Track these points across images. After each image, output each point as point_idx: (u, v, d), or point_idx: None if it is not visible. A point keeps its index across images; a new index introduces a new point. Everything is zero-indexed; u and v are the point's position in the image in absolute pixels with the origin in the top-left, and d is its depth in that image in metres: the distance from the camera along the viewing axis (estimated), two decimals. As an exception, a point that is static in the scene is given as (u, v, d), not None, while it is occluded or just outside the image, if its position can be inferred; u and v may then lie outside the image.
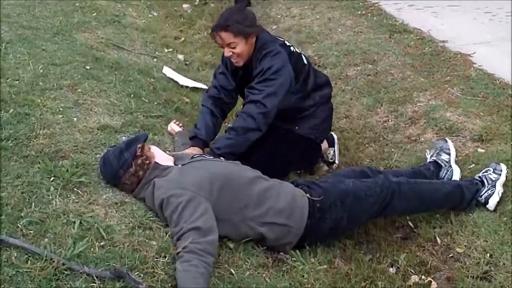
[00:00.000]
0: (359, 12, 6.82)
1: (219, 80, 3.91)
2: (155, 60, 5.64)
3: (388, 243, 3.38)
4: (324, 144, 4.22)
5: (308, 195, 3.01)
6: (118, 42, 5.61)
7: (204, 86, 5.22)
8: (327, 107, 4.02)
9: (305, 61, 3.83)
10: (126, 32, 6.10)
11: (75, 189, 2.84)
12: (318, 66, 5.66)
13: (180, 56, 6.01)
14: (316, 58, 5.85)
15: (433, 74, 5.04)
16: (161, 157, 3.03)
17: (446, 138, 3.91)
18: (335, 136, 4.33)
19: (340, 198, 3.06)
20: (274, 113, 3.56)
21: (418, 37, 5.82)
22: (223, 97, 3.88)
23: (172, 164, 3.04)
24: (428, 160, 3.82)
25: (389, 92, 4.91)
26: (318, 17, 6.90)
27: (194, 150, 3.51)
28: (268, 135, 3.70)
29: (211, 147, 3.55)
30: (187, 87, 5.12)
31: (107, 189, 2.94)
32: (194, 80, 5.37)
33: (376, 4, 7.19)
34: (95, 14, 6.23)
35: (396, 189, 3.16)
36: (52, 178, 2.85)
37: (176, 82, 5.10)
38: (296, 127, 3.85)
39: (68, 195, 2.78)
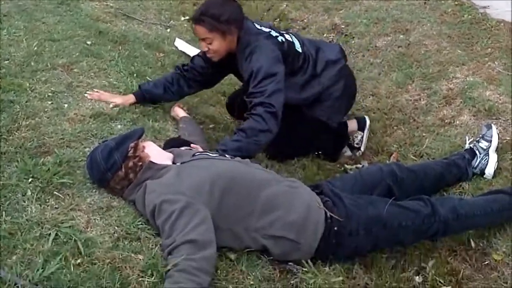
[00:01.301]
0: (391, -26, 6.25)
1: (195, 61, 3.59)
2: (168, 30, 5.24)
3: (414, 246, 2.95)
4: (353, 125, 3.84)
5: (325, 208, 2.60)
6: (129, 11, 5.22)
7: (220, 60, 4.82)
8: (338, 86, 3.60)
9: (300, 48, 3.45)
10: (140, -1, 5.70)
11: (56, 192, 2.52)
12: (345, 35, 5.22)
13: (197, 25, 5.58)
14: (343, 26, 5.39)
15: (472, 45, 4.55)
16: (157, 156, 2.67)
17: (491, 123, 3.47)
18: (367, 120, 3.96)
19: (365, 225, 2.62)
20: (281, 111, 3.18)
21: (456, 2, 5.26)
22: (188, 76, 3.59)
23: (170, 163, 2.68)
24: (465, 147, 3.42)
25: (422, 66, 4.44)
26: (347, -20, 6.38)
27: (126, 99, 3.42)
28: None
29: (217, 148, 3.17)
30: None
31: (93, 191, 2.61)
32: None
33: (411, -36, 6.61)
34: (108, -21, 5.83)
35: (441, 228, 2.75)
36: (30, 180, 2.53)
37: (188, 56, 4.69)
38: (307, 110, 3.53)
39: (47, 200, 2.46)
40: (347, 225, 2.59)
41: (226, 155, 2.80)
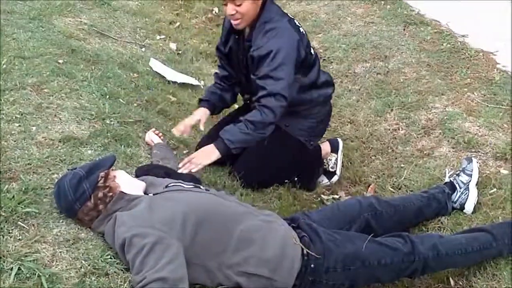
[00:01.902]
0: (371, -1, 6.23)
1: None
2: (143, 49, 5.10)
3: (392, 283, 2.86)
4: (326, 148, 3.74)
5: (302, 245, 2.50)
6: (103, 28, 5.08)
7: (196, 82, 4.72)
8: (325, 109, 3.58)
9: (312, 51, 3.39)
10: (115, 16, 5.55)
11: (20, 222, 2.37)
12: (324, 60, 5.14)
13: (173, 45, 5.45)
14: (321, 50, 5.31)
15: (451, 75, 4.50)
16: (129, 185, 2.55)
17: (472, 157, 3.41)
18: (340, 142, 3.87)
19: (343, 263, 2.53)
20: None
21: (435, 30, 5.24)
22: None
23: (141, 193, 2.56)
24: (445, 180, 3.35)
25: (401, 95, 4.38)
26: (326, 3, 6.31)
27: (201, 112, 3.43)
28: None
29: (222, 137, 3.14)
30: (175, 83, 4.59)
31: (60, 221, 2.47)
32: (185, 74, 4.85)
33: (390, -10, 6.60)
34: (82, -6, 5.69)
35: (420, 267, 2.66)
36: (-8, 209, 2.37)
37: (163, 77, 4.58)
38: (286, 125, 3.42)
39: (10, 231, 2.31)
40: (324, 262, 2.50)
41: (201, 186, 2.69)
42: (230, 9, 3.09)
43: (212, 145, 3.15)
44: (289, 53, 3.10)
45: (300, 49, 3.17)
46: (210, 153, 3.14)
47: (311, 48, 3.37)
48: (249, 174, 3.43)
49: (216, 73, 3.70)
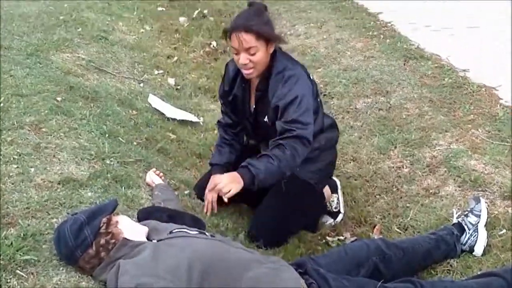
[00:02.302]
0: (370, 33, 6.19)
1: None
2: (141, 85, 5.05)
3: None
4: (327, 192, 3.65)
5: None
6: (101, 64, 5.03)
7: (195, 119, 4.65)
8: (332, 152, 3.53)
9: (319, 97, 3.35)
10: (113, 51, 5.51)
11: (18, 270, 2.27)
12: (324, 95, 5.08)
13: (171, 80, 5.39)
14: (322, 85, 5.25)
15: (454, 111, 4.44)
16: (132, 231, 2.45)
17: (479, 196, 3.33)
18: (337, 181, 3.81)
19: None
20: None
21: (436, 64, 5.21)
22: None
23: (145, 239, 2.47)
24: (453, 221, 3.25)
25: (404, 131, 4.31)
26: (325, 37, 6.29)
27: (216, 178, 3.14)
28: None
29: (249, 163, 2.97)
30: (174, 119, 4.52)
31: (60, 269, 2.37)
32: (184, 110, 4.79)
33: (390, 24, 6.58)
34: (80, 29, 5.64)
35: None
36: (-10, 257, 2.28)
37: (162, 114, 4.51)
38: (297, 169, 3.27)
39: (8, 280, 2.22)
40: None
41: (206, 233, 2.60)
42: (243, 58, 3.02)
43: (235, 173, 2.98)
44: (309, 99, 3.08)
45: (313, 96, 3.16)
46: (235, 181, 2.95)
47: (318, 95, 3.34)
48: (269, 236, 3.29)
49: (219, 121, 3.61)
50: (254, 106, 3.28)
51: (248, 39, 2.97)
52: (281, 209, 3.29)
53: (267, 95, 3.14)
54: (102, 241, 2.34)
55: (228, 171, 3.16)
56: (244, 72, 3.11)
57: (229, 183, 2.91)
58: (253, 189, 2.98)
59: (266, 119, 3.20)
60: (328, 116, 3.56)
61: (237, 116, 3.46)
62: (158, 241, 2.42)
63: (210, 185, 3.10)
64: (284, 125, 3.04)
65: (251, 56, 3.01)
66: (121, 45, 5.72)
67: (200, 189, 3.46)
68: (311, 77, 3.24)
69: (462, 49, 5.58)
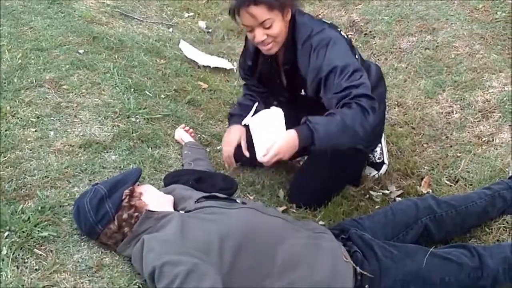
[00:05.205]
0: (413, -37, 5.74)
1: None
2: (170, 30, 4.79)
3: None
4: None
5: (354, 264, 2.20)
6: (127, 9, 4.77)
7: (229, 66, 4.38)
8: (381, 109, 3.12)
9: (357, 53, 2.88)
10: (141, -7, 5.24)
11: (36, 248, 2.13)
12: (365, 34, 4.74)
13: (202, 23, 5.10)
14: (362, 24, 4.89)
15: (509, 48, 4.05)
16: (157, 202, 2.28)
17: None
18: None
19: (401, 282, 2.23)
20: None
21: (487, -4, 4.80)
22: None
23: (171, 209, 2.30)
24: (509, 174, 3.01)
25: (453, 73, 3.97)
26: (364, -32, 5.88)
27: (237, 132, 2.83)
28: None
29: (308, 118, 2.45)
30: (206, 67, 4.26)
31: (81, 244, 2.25)
32: (217, 56, 4.52)
33: (434, -49, 6.11)
34: (105, -29, 5.37)
35: (488, 283, 2.32)
36: (6, 234, 2.15)
37: (194, 61, 4.25)
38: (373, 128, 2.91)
39: (26, 260, 2.08)
40: (381, 282, 2.22)
41: (237, 201, 2.37)
42: (259, 35, 2.59)
43: (294, 133, 2.41)
44: (350, 61, 2.60)
45: (353, 55, 2.73)
46: (292, 145, 2.41)
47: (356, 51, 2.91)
48: (310, 200, 3.05)
49: (245, 84, 3.22)
50: (285, 82, 2.92)
51: (260, 12, 2.53)
52: (324, 171, 3.01)
53: (298, 69, 2.75)
54: (125, 215, 2.18)
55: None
56: (263, 48, 2.70)
57: (284, 150, 2.41)
58: (314, 150, 2.50)
59: (303, 92, 2.85)
60: (372, 66, 3.11)
61: (268, 89, 3.09)
62: (185, 211, 2.23)
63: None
64: (336, 96, 2.57)
65: (268, 30, 2.58)
66: (149, -14, 5.44)
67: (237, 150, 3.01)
68: (343, 34, 2.81)
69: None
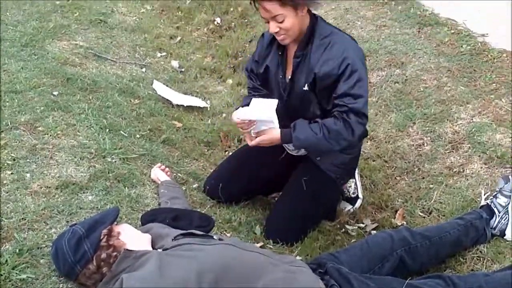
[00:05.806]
0: (381, 0, 5.85)
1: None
2: (143, 70, 4.81)
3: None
4: None
5: None
6: (100, 50, 4.79)
7: (203, 104, 4.42)
8: (358, 147, 3.29)
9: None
10: (113, 34, 5.27)
11: (15, 291, 2.10)
12: (335, 69, 4.81)
13: (175, 63, 5.15)
14: (333, 59, 4.98)
15: (475, 80, 4.16)
16: (135, 241, 2.27)
17: (509, 175, 3.11)
18: None
19: None
20: None
21: (452, 30, 4.89)
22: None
23: (149, 247, 2.30)
24: (481, 204, 3.06)
25: (423, 105, 4.06)
26: (333, 7, 5.97)
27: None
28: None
29: (292, 132, 2.91)
30: (180, 106, 4.29)
31: (60, 286, 2.27)
32: (190, 95, 4.56)
33: (400, -12, 6.25)
34: (77, 14, 5.38)
35: None
36: (-17, 278, 2.12)
37: (167, 100, 4.28)
38: (318, 158, 3.09)
39: (4, 304, 2.05)
40: None
41: (214, 237, 2.40)
42: (273, 27, 2.83)
43: (278, 132, 2.94)
44: (362, 68, 2.86)
45: (364, 66, 2.93)
46: (273, 142, 2.97)
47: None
48: (286, 236, 3.12)
49: (248, 87, 3.37)
50: (290, 77, 3.03)
51: (272, 7, 2.76)
52: (299, 206, 3.09)
53: (307, 61, 2.92)
54: (103, 255, 2.17)
55: None
56: (278, 38, 2.93)
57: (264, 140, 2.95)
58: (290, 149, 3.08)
59: (306, 87, 2.96)
60: None
61: (269, 90, 3.22)
62: (163, 249, 2.24)
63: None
64: (333, 101, 2.86)
65: (280, 24, 2.81)
66: (121, 28, 5.48)
67: (212, 188, 3.27)
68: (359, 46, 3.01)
69: (479, 11, 5.25)
